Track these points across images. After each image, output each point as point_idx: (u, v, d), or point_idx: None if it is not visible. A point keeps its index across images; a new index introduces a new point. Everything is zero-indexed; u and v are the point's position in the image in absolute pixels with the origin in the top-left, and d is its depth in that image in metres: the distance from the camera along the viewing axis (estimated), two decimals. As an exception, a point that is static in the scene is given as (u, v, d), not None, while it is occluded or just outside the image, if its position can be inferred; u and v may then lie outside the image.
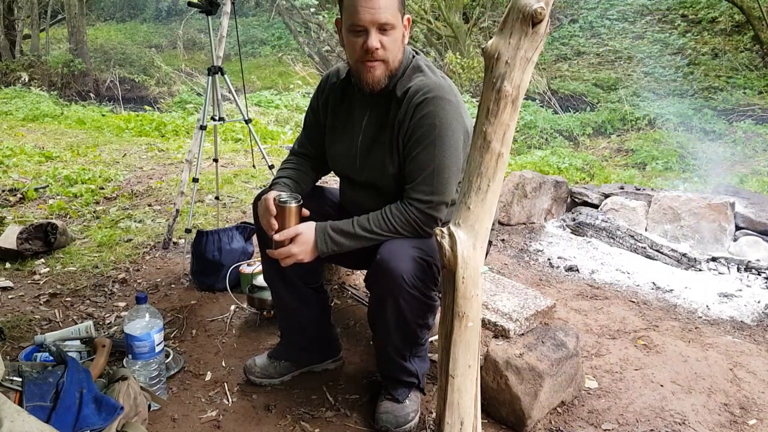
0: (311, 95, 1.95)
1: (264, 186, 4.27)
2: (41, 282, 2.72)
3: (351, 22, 1.59)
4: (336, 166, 1.89)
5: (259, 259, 2.33)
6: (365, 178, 1.78)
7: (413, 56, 1.73)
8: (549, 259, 3.22)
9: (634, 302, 2.75)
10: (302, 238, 1.64)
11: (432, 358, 2.04)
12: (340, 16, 1.66)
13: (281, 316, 2.00)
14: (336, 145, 1.84)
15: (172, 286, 2.70)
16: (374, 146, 1.73)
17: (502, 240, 3.47)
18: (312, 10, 12.61)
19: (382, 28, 1.59)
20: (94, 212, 3.73)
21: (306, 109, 1.97)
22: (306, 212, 1.70)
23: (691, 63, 10.69)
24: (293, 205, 1.65)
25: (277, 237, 1.64)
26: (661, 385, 2.02)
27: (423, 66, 1.71)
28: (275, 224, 1.66)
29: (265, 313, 2.34)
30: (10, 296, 2.58)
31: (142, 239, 3.24)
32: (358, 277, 2.70)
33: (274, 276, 1.89)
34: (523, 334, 1.89)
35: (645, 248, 3.31)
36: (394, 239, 1.63)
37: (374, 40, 1.59)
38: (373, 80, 1.65)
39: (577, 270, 3.08)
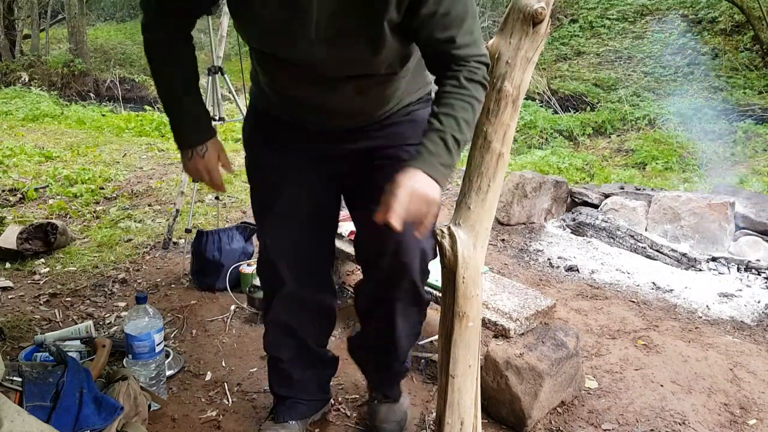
0: None
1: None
2: (41, 282, 2.72)
3: None
4: (273, 48, 1.32)
5: (259, 259, 2.32)
6: (336, 65, 1.29)
7: None
8: (549, 259, 3.22)
9: (634, 302, 2.75)
10: (421, 191, 1.17)
11: (432, 358, 2.04)
12: None
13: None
14: (263, 17, 1.23)
15: (172, 286, 2.70)
16: (346, 20, 1.21)
17: (502, 240, 3.46)
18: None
19: None
20: (94, 212, 3.73)
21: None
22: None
23: (691, 63, 10.68)
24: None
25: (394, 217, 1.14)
26: (661, 385, 2.02)
27: None
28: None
29: (265, 313, 2.34)
30: (10, 296, 2.57)
31: (142, 239, 3.24)
32: (359, 278, 2.70)
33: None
34: (523, 334, 1.89)
35: (645, 248, 3.31)
36: (399, 234, 1.28)
37: None
38: None
39: (577, 270, 3.08)
